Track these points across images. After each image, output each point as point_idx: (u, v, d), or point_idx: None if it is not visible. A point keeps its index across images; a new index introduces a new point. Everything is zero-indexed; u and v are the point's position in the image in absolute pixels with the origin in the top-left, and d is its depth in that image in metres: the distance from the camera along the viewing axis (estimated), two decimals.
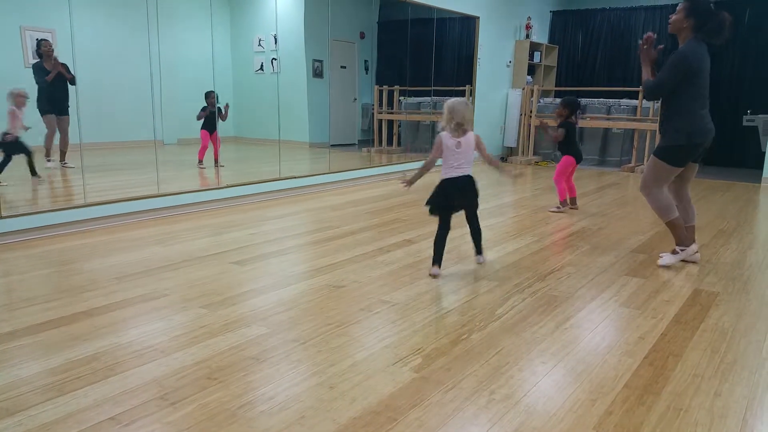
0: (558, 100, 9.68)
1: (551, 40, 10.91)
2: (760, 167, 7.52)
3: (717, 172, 8.38)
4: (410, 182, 3.52)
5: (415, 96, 9.36)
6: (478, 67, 9.06)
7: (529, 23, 9.99)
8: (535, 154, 9.75)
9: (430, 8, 8.20)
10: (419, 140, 9.53)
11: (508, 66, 9.92)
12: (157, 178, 5.23)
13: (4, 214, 4.00)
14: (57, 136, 5.95)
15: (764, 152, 7.54)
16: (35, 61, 5.83)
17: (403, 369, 2.22)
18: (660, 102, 3.52)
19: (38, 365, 2.22)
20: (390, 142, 9.35)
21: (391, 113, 9.24)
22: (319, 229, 4.57)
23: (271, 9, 7.24)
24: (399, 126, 9.56)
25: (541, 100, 9.66)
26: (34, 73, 5.72)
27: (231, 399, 1.99)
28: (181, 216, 4.93)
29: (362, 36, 9.36)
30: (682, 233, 3.55)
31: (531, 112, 9.43)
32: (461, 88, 9.02)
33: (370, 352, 2.36)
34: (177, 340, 2.46)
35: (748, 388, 2.14)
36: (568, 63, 10.85)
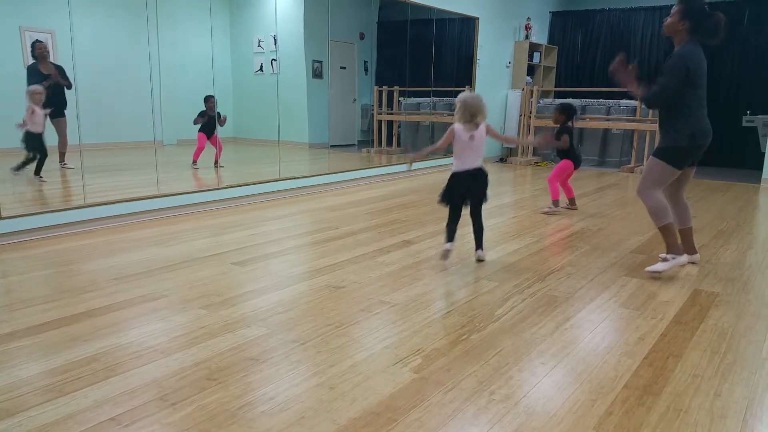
0: (557, 101, 9.73)
1: (551, 40, 10.92)
2: (760, 168, 7.53)
3: (716, 172, 8.39)
4: (414, 158, 3.63)
5: (414, 97, 9.36)
6: (477, 67, 9.06)
7: (528, 24, 10.00)
8: (534, 154, 9.76)
9: (429, 9, 8.21)
10: (419, 141, 9.53)
11: (507, 67, 9.93)
12: (156, 179, 5.23)
13: (4, 214, 4.00)
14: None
15: (764, 153, 7.54)
16: (31, 62, 5.81)
17: (403, 370, 2.22)
18: None
19: (38, 366, 2.22)
20: (390, 143, 9.36)
21: (391, 114, 9.25)
22: (319, 229, 4.58)
23: (270, 10, 7.24)
24: (399, 126, 9.57)
25: (541, 101, 9.66)
26: (28, 75, 5.69)
27: (231, 400, 1.99)
28: (181, 216, 4.93)
29: (362, 37, 9.36)
30: (674, 240, 3.47)
31: (530, 112, 9.44)
32: (461, 88, 9.01)
33: (370, 353, 2.37)
34: (177, 340, 2.46)
35: (747, 389, 2.14)
36: (568, 64, 10.86)
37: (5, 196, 4.73)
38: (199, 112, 6.82)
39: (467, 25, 9.20)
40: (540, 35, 10.58)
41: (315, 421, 1.87)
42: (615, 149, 9.19)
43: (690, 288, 3.30)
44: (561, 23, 10.88)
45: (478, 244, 3.72)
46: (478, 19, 8.91)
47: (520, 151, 9.71)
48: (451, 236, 3.59)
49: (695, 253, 3.77)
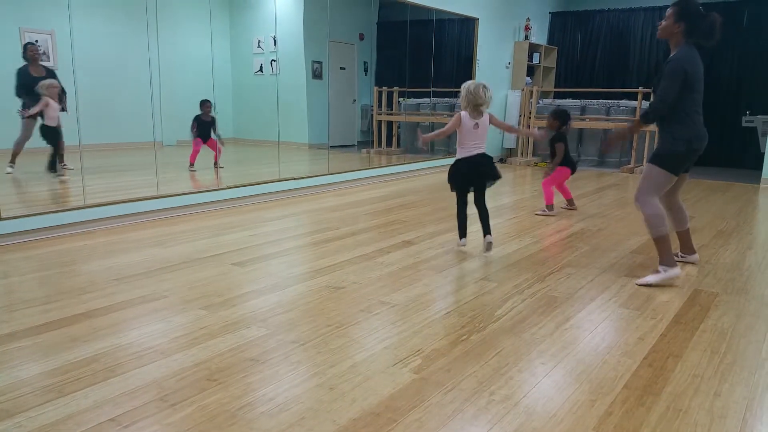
0: (557, 102, 9.74)
1: (550, 41, 10.92)
2: (760, 168, 7.53)
3: (716, 172, 8.39)
4: (424, 139, 3.96)
5: (414, 97, 9.37)
6: (477, 68, 9.06)
7: (528, 24, 10.00)
8: (534, 155, 9.76)
9: (429, 9, 8.21)
10: (419, 141, 9.52)
11: (507, 67, 9.93)
12: (156, 180, 5.23)
13: (3, 215, 4.00)
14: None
15: (763, 153, 7.54)
16: (22, 65, 5.62)
17: (403, 370, 2.23)
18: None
19: (38, 367, 2.22)
20: (389, 143, 9.36)
21: (391, 114, 9.25)
22: (319, 230, 4.58)
23: (270, 10, 7.25)
24: (398, 127, 9.57)
25: (540, 101, 9.66)
26: (18, 77, 5.52)
27: (231, 400, 1.99)
28: (181, 217, 4.93)
29: (361, 37, 9.37)
30: (668, 252, 3.36)
31: (530, 113, 9.44)
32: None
33: (369, 353, 2.37)
34: (177, 341, 2.46)
35: (747, 389, 2.14)
36: (567, 64, 10.86)
37: (5, 196, 4.73)
38: (194, 116, 6.79)
39: (467, 25, 9.21)
40: (540, 36, 10.59)
41: (315, 421, 1.87)
42: (614, 149, 9.19)
43: (690, 288, 3.30)
44: (561, 24, 10.88)
45: (486, 230, 3.82)
46: (478, 19, 8.91)
47: (519, 151, 9.71)
48: (463, 231, 3.87)
49: (694, 253, 3.77)
